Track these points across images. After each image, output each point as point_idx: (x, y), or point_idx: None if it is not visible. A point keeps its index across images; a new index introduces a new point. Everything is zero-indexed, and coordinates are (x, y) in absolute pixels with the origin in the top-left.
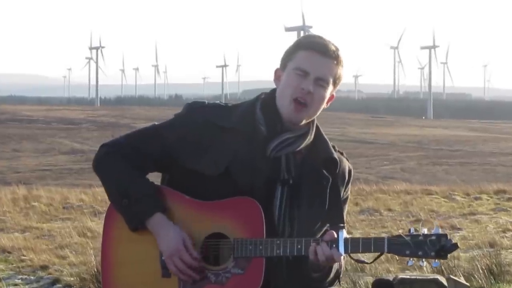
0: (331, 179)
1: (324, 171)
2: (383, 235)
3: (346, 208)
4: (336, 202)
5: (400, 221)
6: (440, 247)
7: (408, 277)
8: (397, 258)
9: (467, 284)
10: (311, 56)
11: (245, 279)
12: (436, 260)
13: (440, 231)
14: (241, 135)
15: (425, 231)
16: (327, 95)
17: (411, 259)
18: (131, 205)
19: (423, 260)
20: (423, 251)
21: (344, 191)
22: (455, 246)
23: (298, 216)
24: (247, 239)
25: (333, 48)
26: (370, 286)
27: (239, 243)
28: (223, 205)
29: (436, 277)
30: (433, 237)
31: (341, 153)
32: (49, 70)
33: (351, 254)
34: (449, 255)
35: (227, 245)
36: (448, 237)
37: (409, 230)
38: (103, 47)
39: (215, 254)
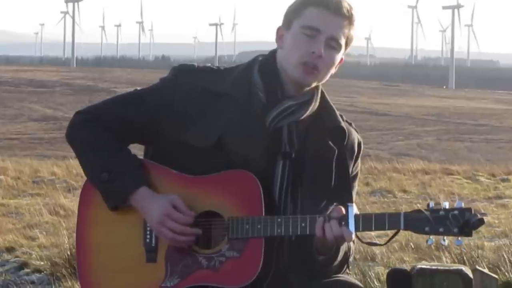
0: (337, 151)
1: (330, 142)
2: None
3: (356, 186)
4: (343, 177)
5: (416, 204)
6: (464, 222)
7: (428, 267)
8: (413, 246)
9: (495, 276)
10: (322, 14)
11: (241, 263)
12: (459, 238)
13: (463, 205)
14: (235, 102)
15: (446, 205)
16: (338, 58)
17: (431, 237)
18: (111, 180)
19: (445, 238)
20: (445, 227)
21: (353, 166)
22: (480, 222)
23: (302, 194)
24: (244, 218)
25: (347, 6)
26: (382, 277)
27: (234, 222)
28: (216, 179)
29: (460, 268)
30: (456, 212)
31: (350, 124)
32: (19, 25)
33: (361, 238)
34: (472, 243)
35: (221, 225)
36: (473, 211)
37: (428, 205)
38: (80, 0)
39: (207, 235)
